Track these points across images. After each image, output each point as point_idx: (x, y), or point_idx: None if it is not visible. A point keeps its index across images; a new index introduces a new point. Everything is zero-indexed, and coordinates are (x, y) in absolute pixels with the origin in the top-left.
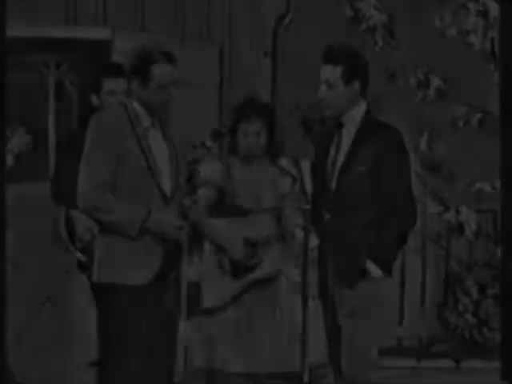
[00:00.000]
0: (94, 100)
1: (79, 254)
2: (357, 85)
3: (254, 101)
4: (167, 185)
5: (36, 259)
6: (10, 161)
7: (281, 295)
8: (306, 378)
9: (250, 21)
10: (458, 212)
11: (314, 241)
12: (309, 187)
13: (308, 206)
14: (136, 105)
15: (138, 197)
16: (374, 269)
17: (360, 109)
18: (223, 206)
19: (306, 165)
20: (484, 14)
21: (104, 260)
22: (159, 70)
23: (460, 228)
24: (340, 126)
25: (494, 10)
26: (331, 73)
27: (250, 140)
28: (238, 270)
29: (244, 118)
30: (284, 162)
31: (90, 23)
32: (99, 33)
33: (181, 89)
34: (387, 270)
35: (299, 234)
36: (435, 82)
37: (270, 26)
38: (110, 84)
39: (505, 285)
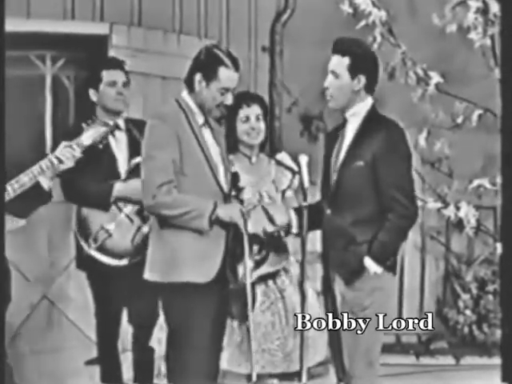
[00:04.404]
0: (93, 95)
1: (96, 253)
2: (363, 79)
3: (249, 92)
4: (223, 182)
5: (35, 258)
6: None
7: (285, 290)
8: (304, 378)
9: (248, 17)
10: (457, 208)
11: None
12: (307, 183)
13: (306, 203)
14: (190, 102)
15: (201, 193)
16: (372, 266)
17: (365, 105)
18: None
19: (304, 160)
20: (484, 10)
21: (166, 259)
22: (225, 74)
23: (459, 224)
24: (345, 121)
25: (494, 6)
26: (338, 63)
27: (251, 123)
28: None
29: (244, 103)
30: (281, 156)
31: (87, 18)
32: (96, 28)
33: (177, 84)
34: (389, 267)
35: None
36: (435, 78)
37: (268, 23)
38: (110, 75)
39: (504, 281)
